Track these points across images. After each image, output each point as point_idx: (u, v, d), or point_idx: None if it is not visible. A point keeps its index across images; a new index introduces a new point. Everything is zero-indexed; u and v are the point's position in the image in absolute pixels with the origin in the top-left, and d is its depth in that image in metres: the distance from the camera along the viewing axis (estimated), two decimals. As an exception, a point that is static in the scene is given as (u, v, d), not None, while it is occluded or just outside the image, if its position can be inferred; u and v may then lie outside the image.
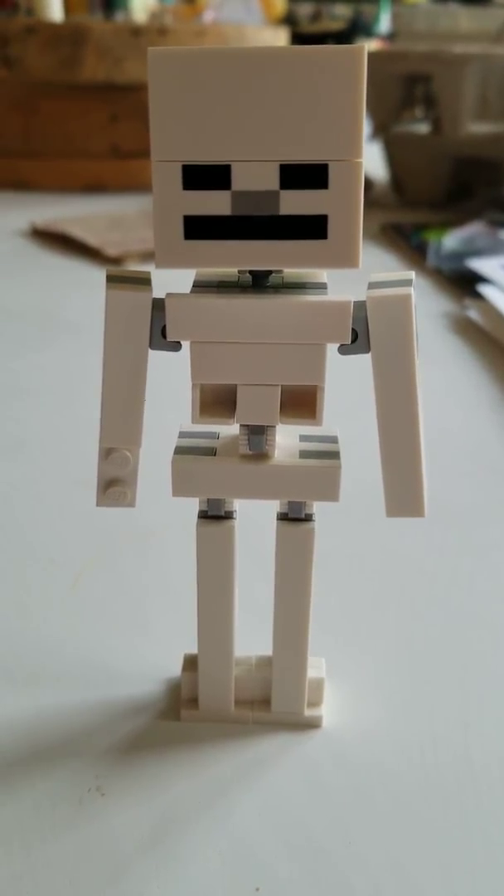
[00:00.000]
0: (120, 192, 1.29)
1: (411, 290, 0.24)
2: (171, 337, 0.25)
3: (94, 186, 1.31)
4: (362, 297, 0.24)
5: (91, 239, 0.96)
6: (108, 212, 1.11)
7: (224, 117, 0.22)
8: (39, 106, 1.29)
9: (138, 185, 1.27)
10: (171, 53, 0.22)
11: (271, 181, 0.22)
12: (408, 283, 0.25)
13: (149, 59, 0.22)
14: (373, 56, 0.20)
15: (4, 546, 0.41)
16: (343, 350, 0.25)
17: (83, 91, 1.27)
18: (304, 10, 2.79)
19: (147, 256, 0.91)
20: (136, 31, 1.25)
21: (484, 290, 0.76)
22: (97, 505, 0.27)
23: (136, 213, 1.10)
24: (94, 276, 0.84)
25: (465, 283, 0.81)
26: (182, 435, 0.28)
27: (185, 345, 0.25)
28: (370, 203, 1.19)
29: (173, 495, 0.27)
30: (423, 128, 1.16)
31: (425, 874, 0.25)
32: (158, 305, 0.25)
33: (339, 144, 0.22)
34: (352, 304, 0.24)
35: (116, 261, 0.90)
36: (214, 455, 0.27)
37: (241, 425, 0.26)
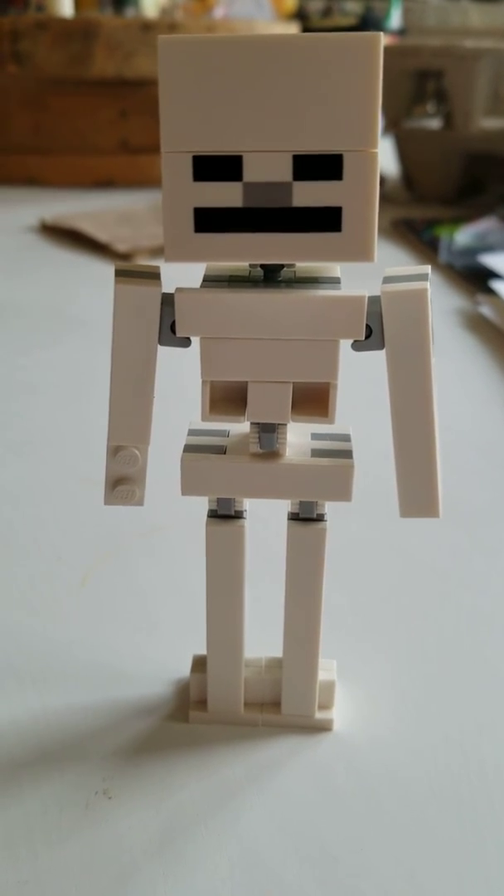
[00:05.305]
0: (129, 187, 1.29)
1: (427, 285, 0.24)
2: (180, 332, 0.24)
3: (104, 182, 1.31)
4: (377, 293, 0.24)
5: (100, 235, 0.95)
6: (118, 207, 1.11)
7: (236, 107, 0.21)
8: (49, 102, 1.29)
9: (148, 181, 1.27)
10: (182, 41, 0.21)
11: (284, 172, 0.22)
12: (423, 277, 0.24)
13: (159, 47, 0.21)
14: (384, 51, 0.20)
15: (12, 544, 0.41)
16: (357, 346, 0.24)
17: (93, 87, 1.27)
18: (315, 6, 2.77)
19: (157, 252, 0.91)
20: (146, 27, 1.24)
21: (496, 285, 0.75)
22: (105, 504, 0.27)
23: (146, 209, 1.10)
24: (104, 273, 0.84)
25: (477, 279, 0.80)
26: (192, 433, 0.27)
27: (195, 341, 0.25)
28: (381, 198, 1.19)
29: (182, 494, 0.27)
30: (434, 123, 1.15)
31: (438, 883, 0.25)
32: (168, 300, 0.24)
33: (354, 134, 0.21)
34: (366, 299, 0.24)
35: (126, 257, 0.90)
36: (224, 453, 0.26)
37: (251, 423, 0.26)
